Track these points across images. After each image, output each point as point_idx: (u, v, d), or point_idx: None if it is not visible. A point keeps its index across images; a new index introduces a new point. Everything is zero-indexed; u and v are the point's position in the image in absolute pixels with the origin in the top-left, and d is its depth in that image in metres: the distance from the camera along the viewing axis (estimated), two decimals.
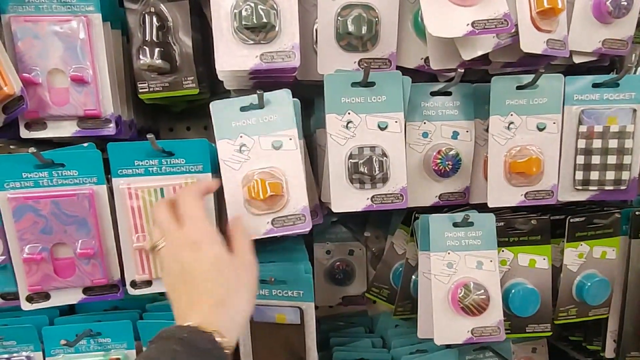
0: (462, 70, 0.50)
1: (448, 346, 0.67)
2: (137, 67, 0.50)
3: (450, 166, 0.57)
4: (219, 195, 0.50)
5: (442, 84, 0.56)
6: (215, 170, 0.51)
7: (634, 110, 0.57)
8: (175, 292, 0.38)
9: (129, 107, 0.55)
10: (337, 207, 0.52)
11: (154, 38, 0.49)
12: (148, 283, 0.52)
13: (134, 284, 0.52)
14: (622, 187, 0.58)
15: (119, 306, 0.59)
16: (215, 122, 0.48)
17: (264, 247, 0.66)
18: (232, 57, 0.46)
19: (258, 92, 0.46)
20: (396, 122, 0.52)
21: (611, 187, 0.58)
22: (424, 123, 0.57)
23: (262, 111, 0.49)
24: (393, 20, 0.51)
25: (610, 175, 0.58)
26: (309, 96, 0.59)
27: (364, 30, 0.49)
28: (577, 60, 0.57)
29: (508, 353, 0.68)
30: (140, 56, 0.49)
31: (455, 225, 0.56)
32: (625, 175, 0.58)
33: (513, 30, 0.48)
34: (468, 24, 0.46)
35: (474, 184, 0.60)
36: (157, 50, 0.49)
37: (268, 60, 0.47)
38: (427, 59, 0.53)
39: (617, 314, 0.65)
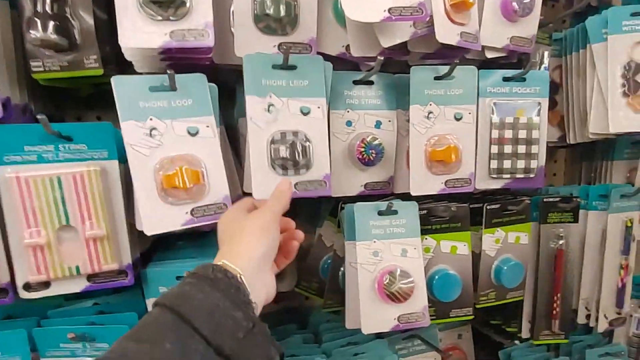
0: (382, 58, 0.50)
1: (378, 337, 0.67)
2: (28, 42, 0.44)
3: (374, 155, 0.57)
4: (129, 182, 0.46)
5: (363, 73, 0.56)
6: (124, 159, 0.46)
7: (539, 103, 0.61)
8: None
9: (22, 89, 0.49)
10: (259, 193, 0.50)
11: (47, 9, 0.44)
12: (45, 285, 0.46)
13: (27, 287, 0.46)
14: (532, 175, 0.62)
15: (12, 314, 0.52)
16: (118, 100, 0.44)
17: (186, 241, 0.62)
18: (138, 33, 0.43)
19: (169, 71, 0.43)
20: (319, 107, 0.51)
21: (522, 175, 0.62)
22: (348, 112, 0.57)
23: (175, 94, 0.46)
24: (312, 4, 0.50)
25: (520, 164, 0.62)
26: (231, 84, 0.57)
27: (282, 12, 0.48)
28: (489, 55, 0.61)
29: (435, 340, 0.70)
30: (31, 30, 0.43)
31: (380, 213, 0.56)
32: (533, 164, 0.62)
33: (427, 20, 0.50)
34: (385, 10, 0.47)
35: (397, 174, 0.61)
36: (51, 23, 0.44)
37: (179, 38, 0.44)
38: (348, 47, 0.54)
39: (530, 296, 0.69)
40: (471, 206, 0.63)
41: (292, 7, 0.49)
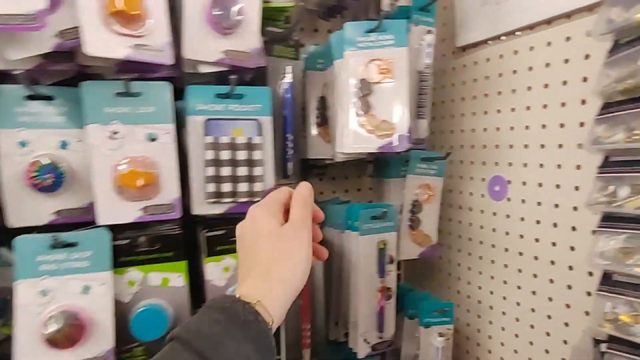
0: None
1: None
2: None
3: (52, 179, 0.50)
4: None
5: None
6: None
7: (259, 122, 0.58)
8: (239, 263, 0.41)
9: None
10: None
11: None
12: None
13: None
14: (257, 199, 0.58)
15: None
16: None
17: None
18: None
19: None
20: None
21: (245, 199, 0.58)
22: (21, 131, 0.50)
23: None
24: None
25: (243, 187, 0.58)
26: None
27: None
28: (203, 69, 0.56)
29: None
30: None
31: (55, 246, 0.50)
32: (258, 187, 0.58)
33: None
34: None
35: None
36: None
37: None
38: None
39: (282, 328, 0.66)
40: (208, 233, 0.58)
41: None
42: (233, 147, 0.56)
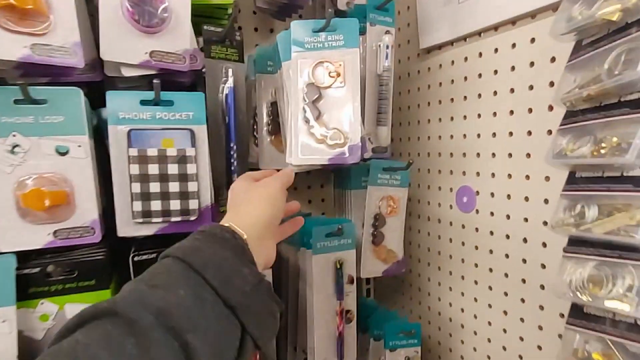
0: None
1: None
2: None
3: None
4: None
5: None
6: None
7: (192, 132, 0.51)
8: None
9: None
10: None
11: None
12: None
13: None
14: (192, 218, 0.52)
15: None
16: None
17: None
18: None
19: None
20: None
21: (179, 218, 0.51)
22: None
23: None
24: None
25: (175, 204, 0.51)
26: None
27: None
28: (127, 73, 0.49)
29: None
30: None
31: None
32: (193, 204, 0.52)
33: None
34: None
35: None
36: None
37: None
38: None
39: None
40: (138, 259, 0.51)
41: None
42: (162, 160, 0.49)
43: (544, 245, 0.55)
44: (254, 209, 0.42)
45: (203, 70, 0.53)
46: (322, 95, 0.53)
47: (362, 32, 0.65)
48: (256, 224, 0.41)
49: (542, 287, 0.55)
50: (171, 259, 0.34)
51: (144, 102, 0.48)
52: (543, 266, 0.55)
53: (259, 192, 0.44)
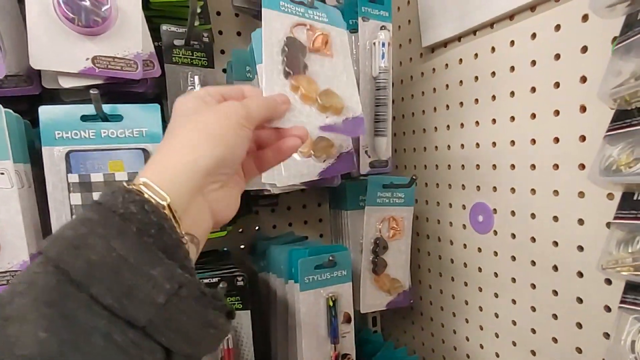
0: None
1: None
2: None
3: None
4: None
5: None
6: None
7: (146, 151, 0.43)
8: None
9: None
10: None
11: None
12: None
13: None
14: None
15: None
16: None
17: None
18: None
19: None
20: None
21: None
22: None
23: None
24: None
25: None
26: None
27: None
28: (66, 84, 0.41)
29: None
30: None
31: None
32: None
33: None
34: None
35: None
36: None
37: None
38: None
39: None
40: None
41: None
42: (110, 185, 0.41)
43: (580, 275, 0.45)
44: (192, 150, 0.29)
45: (160, 77, 0.45)
46: (309, 61, 0.43)
47: (354, 29, 0.56)
48: (191, 171, 0.28)
49: (580, 325, 0.46)
50: (42, 264, 0.24)
51: (85, 118, 0.40)
52: (580, 300, 0.45)
53: (204, 121, 0.31)
